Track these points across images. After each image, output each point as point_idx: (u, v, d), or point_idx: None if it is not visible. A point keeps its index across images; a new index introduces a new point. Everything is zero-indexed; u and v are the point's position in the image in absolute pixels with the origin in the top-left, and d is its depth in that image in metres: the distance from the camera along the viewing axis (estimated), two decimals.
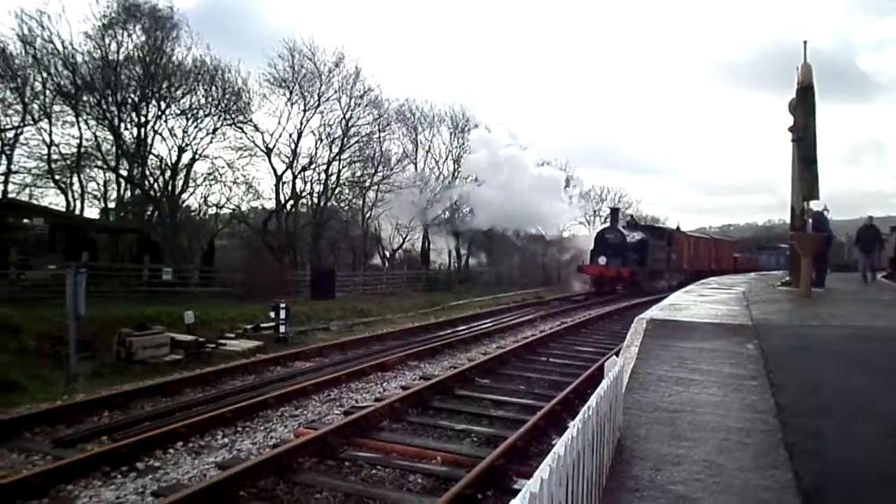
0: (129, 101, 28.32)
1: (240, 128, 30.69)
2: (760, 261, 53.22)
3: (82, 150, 28.09)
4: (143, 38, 28.27)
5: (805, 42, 12.49)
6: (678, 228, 44.56)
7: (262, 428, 8.10)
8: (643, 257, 31.84)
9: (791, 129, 13.19)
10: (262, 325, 16.03)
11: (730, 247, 49.20)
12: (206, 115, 29.72)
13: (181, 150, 29.73)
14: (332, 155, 32.70)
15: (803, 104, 12.62)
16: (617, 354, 6.60)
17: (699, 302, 11.51)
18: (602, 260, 30.76)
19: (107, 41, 27.57)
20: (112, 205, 30.82)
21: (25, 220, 24.08)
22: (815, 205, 13.30)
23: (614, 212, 35.89)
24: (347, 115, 32.66)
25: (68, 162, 28.39)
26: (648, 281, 31.77)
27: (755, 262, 52.11)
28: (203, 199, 32.94)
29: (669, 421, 4.55)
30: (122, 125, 28.33)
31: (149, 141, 29.21)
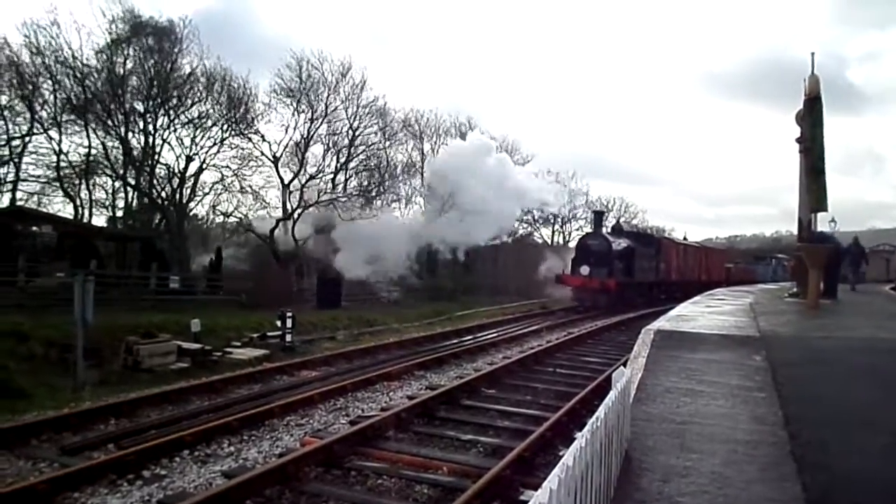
0: (137, 110, 28.55)
1: (247, 137, 30.86)
2: (757, 272, 51.32)
3: (90, 158, 28.31)
4: (150, 50, 28.48)
5: (812, 53, 12.55)
6: (685, 237, 43.59)
7: (268, 437, 8.11)
8: (630, 267, 29.07)
9: (799, 140, 13.19)
10: (269, 333, 16.06)
11: (721, 256, 46.69)
12: (213, 125, 29.92)
13: (189, 159, 29.91)
14: (338, 164, 32.83)
15: (811, 115, 12.63)
16: (624, 365, 6.59)
17: (706, 313, 11.47)
18: (584, 269, 27.50)
19: (114, 53, 27.82)
20: (120, 213, 31.03)
21: (34, 228, 24.25)
22: (822, 217, 13.33)
23: (598, 215, 32.23)
24: (354, 125, 32.80)
25: (76, 170, 28.59)
26: (635, 294, 29.50)
27: (751, 272, 50.26)
28: (210, 208, 33.13)
29: (677, 433, 4.53)
30: (131, 134, 28.53)
31: (157, 149, 29.42)
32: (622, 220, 50.12)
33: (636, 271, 29.41)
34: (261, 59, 71.50)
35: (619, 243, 29.33)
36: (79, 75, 26.63)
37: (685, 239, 47.75)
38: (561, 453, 5.33)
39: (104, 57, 27.58)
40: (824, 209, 12.82)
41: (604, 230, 30.58)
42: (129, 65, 28.19)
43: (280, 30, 75.33)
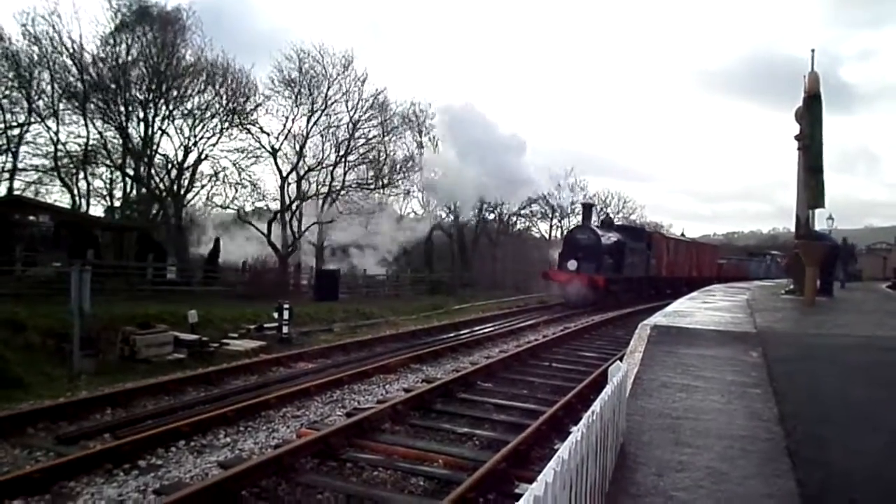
0: (137, 100, 28.45)
1: (246, 129, 30.79)
2: (749, 268, 50.37)
3: (89, 148, 28.22)
4: (153, 39, 28.37)
5: (812, 51, 12.52)
6: (682, 234, 43.26)
7: (264, 428, 8.11)
8: (619, 262, 27.85)
9: (797, 138, 13.18)
10: (266, 325, 16.04)
11: (713, 252, 45.36)
12: (213, 116, 29.83)
13: (187, 150, 29.85)
14: (337, 156, 32.74)
15: (810, 113, 12.62)
16: (620, 360, 6.59)
17: (703, 309, 11.49)
18: (572, 264, 26.12)
19: (118, 42, 27.74)
20: (117, 203, 30.96)
21: (31, 217, 24.17)
22: (820, 214, 13.39)
23: (587, 208, 30.23)
24: (354, 118, 32.71)
25: (74, 160, 28.50)
26: (625, 290, 28.33)
27: (744, 269, 49.33)
28: (208, 199, 33.08)
29: (673, 427, 4.54)
30: (130, 124, 28.46)
31: (155, 140, 29.34)
32: (620, 215, 50.04)
33: (626, 267, 28.36)
34: (256, 50, 71.24)
35: (609, 237, 28.20)
36: (79, 65, 26.52)
37: (682, 235, 47.67)
38: (556, 447, 5.35)
39: (107, 45, 27.51)
40: (821, 205, 12.85)
41: (593, 223, 29.41)
42: (133, 54, 28.10)
43: (277, 22, 75.23)
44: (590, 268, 26.02)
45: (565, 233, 33.81)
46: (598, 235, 27.30)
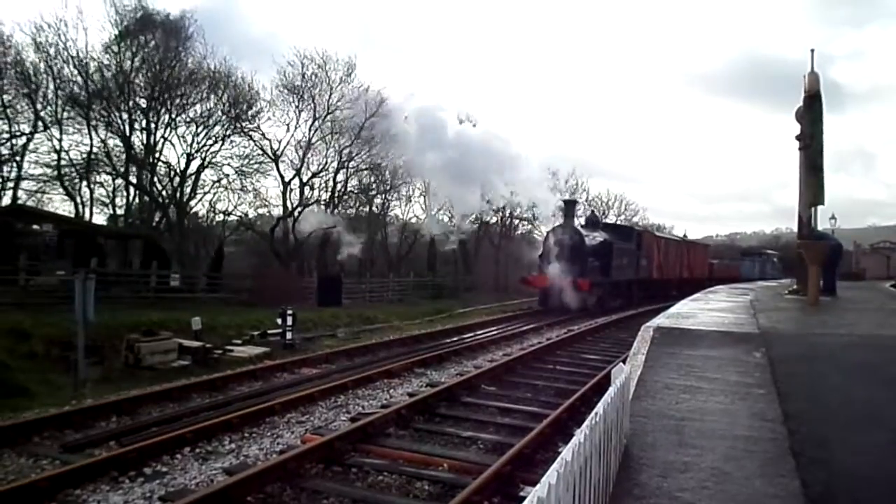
0: (140, 108, 28.57)
1: (248, 135, 30.89)
2: (742, 268, 49.13)
3: (91, 156, 28.33)
4: (155, 47, 28.50)
5: (812, 51, 12.50)
6: (685, 235, 42.82)
7: (268, 434, 8.12)
8: (606, 264, 25.68)
9: (798, 138, 13.17)
10: (269, 331, 16.08)
11: (704, 252, 43.30)
12: (216, 123, 29.94)
13: (190, 158, 29.95)
14: (339, 163, 32.79)
15: (810, 112, 12.61)
16: (623, 363, 6.59)
17: (706, 310, 11.47)
18: (553, 268, 24.16)
19: (122, 49, 27.87)
20: (120, 211, 31.08)
21: (35, 226, 24.24)
22: (823, 214, 13.37)
23: (569, 205, 27.25)
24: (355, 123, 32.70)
25: (77, 168, 28.61)
26: (612, 295, 26.54)
27: (736, 269, 47.99)
28: (211, 206, 33.21)
29: (676, 429, 4.54)
30: (132, 132, 28.57)
31: (158, 148, 29.45)
32: (622, 217, 49.80)
33: (613, 269, 26.28)
34: (248, 55, 71.07)
35: (594, 237, 26.11)
36: (83, 73, 26.65)
37: (685, 236, 47.42)
38: (561, 450, 5.35)
39: (111, 52, 27.66)
40: (822, 202, 12.82)
41: (576, 222, 27.16)
42: (136, 62, 28.21)
43: (268, 28, 74.81)
44: (573, 271, 24.01)
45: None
46: (581, 235, 25.33)
